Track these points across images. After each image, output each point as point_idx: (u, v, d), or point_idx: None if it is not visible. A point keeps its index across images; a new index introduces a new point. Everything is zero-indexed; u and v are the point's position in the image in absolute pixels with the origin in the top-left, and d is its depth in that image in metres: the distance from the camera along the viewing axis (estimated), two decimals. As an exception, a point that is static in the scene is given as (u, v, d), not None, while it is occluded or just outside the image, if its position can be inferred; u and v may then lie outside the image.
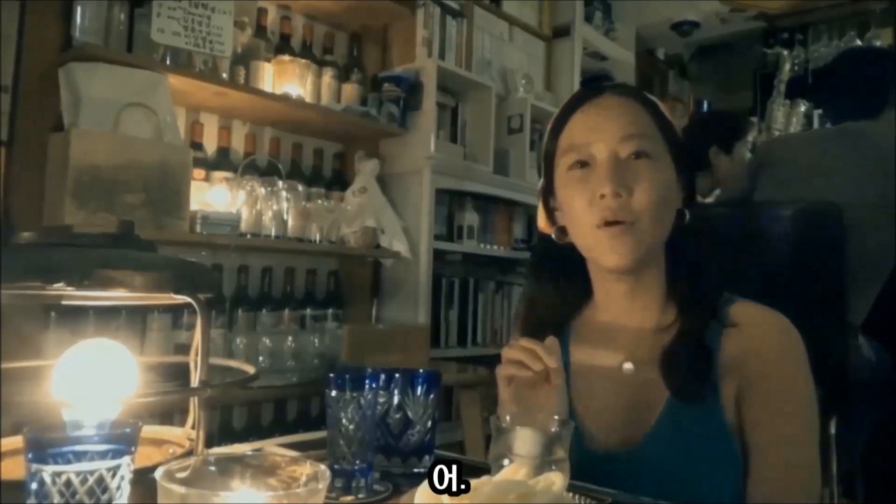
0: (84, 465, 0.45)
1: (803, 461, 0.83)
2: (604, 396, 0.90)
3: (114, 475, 0.46)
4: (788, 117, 3.53)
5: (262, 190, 2.10)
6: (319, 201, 2.25)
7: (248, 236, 2.06)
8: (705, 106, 4.05)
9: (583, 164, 0.88)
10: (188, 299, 0.65)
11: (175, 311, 1.88)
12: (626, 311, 0.92)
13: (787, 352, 0.85)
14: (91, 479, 0.45)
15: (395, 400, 0.83)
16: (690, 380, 0.83)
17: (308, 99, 2.28)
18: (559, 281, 0.98)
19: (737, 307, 0.87)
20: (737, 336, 0.85)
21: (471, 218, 2.70)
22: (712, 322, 0.86)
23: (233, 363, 0.81)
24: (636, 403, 0.87)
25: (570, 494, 0.63)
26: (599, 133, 0.87)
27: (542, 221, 0.98)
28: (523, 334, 0.89)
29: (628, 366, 0.90)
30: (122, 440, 0.48)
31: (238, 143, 2.24)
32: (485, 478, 0.55)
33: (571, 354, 0.95)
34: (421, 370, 0.85)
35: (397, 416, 0.83)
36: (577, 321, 0.98)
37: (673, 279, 0.91)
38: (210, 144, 2.15)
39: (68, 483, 0.45)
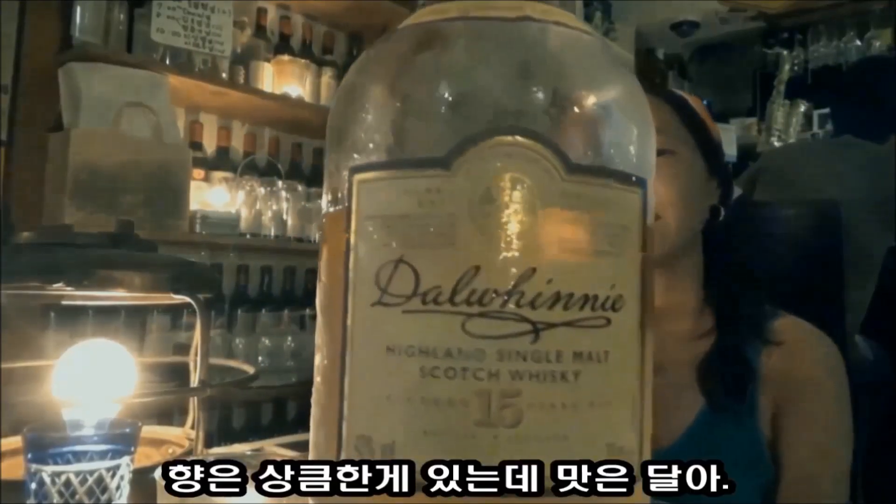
0: (84, 466, 0.45)
1: (836, 482, 0.82)
2: None
3: (113, 475, 0.46)
4: (788, 117, 3.52)
5: (262, 190, 2.10)
6: (319, 201, 2.25)
7: (248, 236, 2.06)
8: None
9: None
10: (187, 299, 0.65)
11: (175, 311, 1.88)
12: (657, 312, 0.91)
13: (830, 374, 0.84)
14: (91, 480, 0.45)
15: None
16: (728, 394, 0.82)
17: (308, 99, 2.28)
18: None
19: (780, 323, 0.85)
20: (779, 354, 0.84)
21: (470, 218, 2.70)
22: (752, 337, 0.85)
23: (232, 363, 0.81)
24: (667, 407, 0.84)
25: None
26: None
27: None
28: None
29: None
30: (122, 440, 0.48)
31: (237, 143, 2.23)
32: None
33: None
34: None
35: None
36: None
37: (710, 285, 0.90)
38: (209, 144, 2.15)
39: (68, 483, 0.45)
